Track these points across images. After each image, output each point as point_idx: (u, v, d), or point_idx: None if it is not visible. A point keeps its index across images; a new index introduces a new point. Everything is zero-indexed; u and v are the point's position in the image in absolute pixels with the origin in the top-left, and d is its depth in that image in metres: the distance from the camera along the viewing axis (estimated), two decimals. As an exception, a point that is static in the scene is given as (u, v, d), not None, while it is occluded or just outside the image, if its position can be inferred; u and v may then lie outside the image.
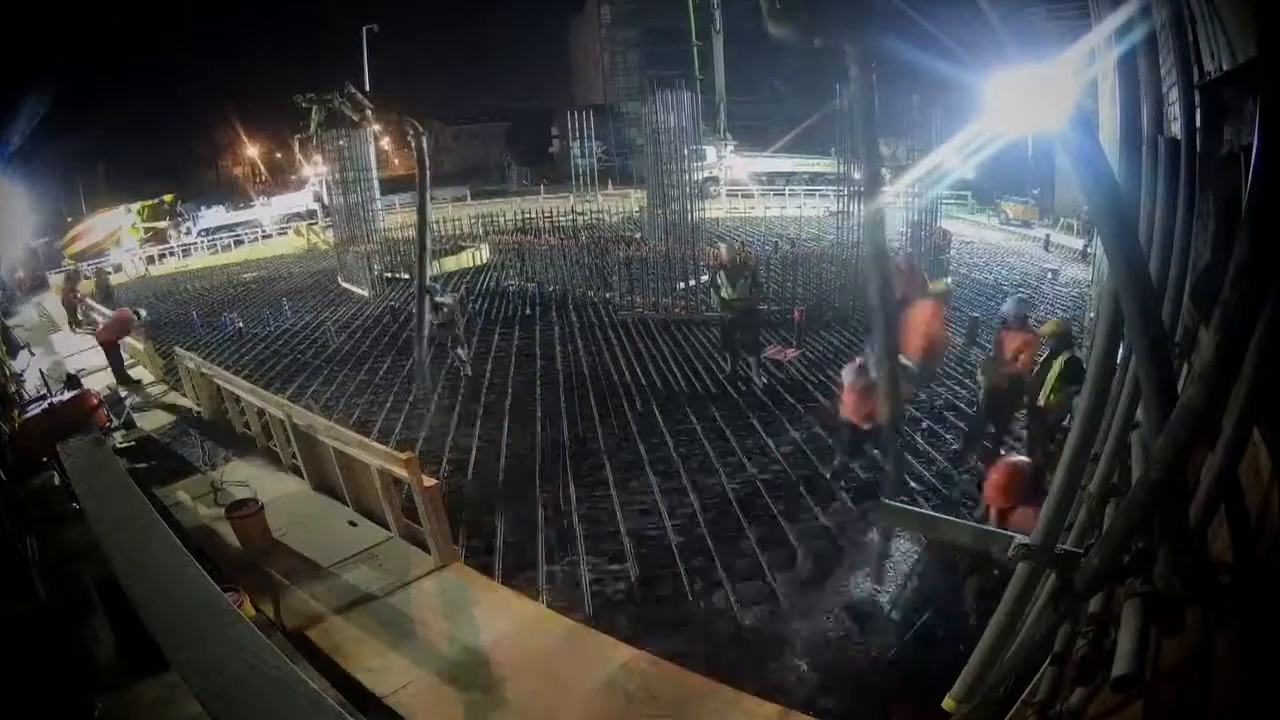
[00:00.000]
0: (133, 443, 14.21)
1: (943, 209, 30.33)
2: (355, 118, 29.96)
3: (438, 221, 38.68)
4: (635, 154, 49.20)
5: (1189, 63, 5.35)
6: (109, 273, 36.74)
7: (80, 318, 27.00)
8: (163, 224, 49.88)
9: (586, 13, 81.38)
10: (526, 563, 10.54)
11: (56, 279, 36.03)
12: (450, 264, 34.74)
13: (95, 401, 12.49)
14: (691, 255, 24.63)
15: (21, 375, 19.05)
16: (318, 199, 50.78)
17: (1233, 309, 2.74)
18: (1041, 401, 11.15)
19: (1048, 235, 37.60)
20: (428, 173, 18.17)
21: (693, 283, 24.03)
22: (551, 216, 40.29)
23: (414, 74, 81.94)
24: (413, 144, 18.39)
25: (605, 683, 7.69)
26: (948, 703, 5.31)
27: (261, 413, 13.19)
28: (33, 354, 22.70)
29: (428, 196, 18.43)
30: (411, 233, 35.02)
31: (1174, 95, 5.66)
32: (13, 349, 22.75)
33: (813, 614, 9.02)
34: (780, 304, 23.62)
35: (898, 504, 6.23)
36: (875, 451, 12.68)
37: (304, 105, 34.08)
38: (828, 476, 12.35)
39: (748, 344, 17.49)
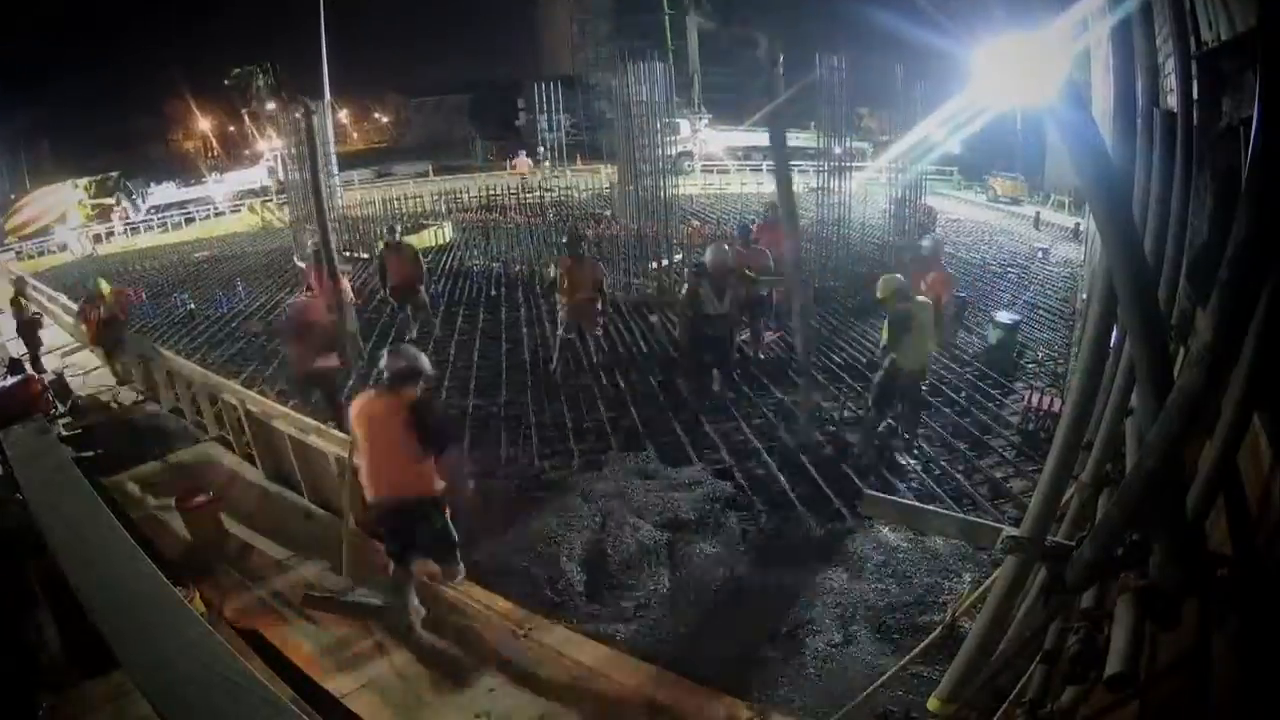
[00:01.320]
0: (78, 430, 14.09)
1: (927, 185, 30.46)
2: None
3: (398, 199, 38.53)
4: (605, 128, 49.13)
5: (1186, 32, 5.35)
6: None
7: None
8: (109, 201, 49.69)
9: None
10: (488, 556, 10.52)
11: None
12: (412, 242, 34.61)
13: (40, 387, 12.39)
14: (664, 233, 24.59)
15: (-38, 360, 18.90)
16: (272, 175, 50.63)
17: (1231, 289, 2.73)
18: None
19: (1038, 213, 37.87)
20: (318, 154, 18.25)
21: (665, 262, 23.98)
22: (517, 193, 40.12)
23: (372, 43, 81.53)
24: (303, 124, 18.48)
25: (574, 681, 7.69)
26: (933, 703, 5.32)
27: (214, 399, 13.11)
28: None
29: (320, 179, 18.51)
30: (371, 210, 34.97)
31: (1170, 66, 5.67)
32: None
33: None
34: (757, 284, 23.64)
35: (879, 494, 6.23)
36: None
37: (230, 83, 34.07)
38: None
39: None
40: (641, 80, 25.73)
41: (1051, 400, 13.62)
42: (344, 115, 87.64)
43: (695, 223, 32.45)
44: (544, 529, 10.58)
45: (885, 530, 9.87)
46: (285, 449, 11.33)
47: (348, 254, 31.46)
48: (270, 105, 33.46)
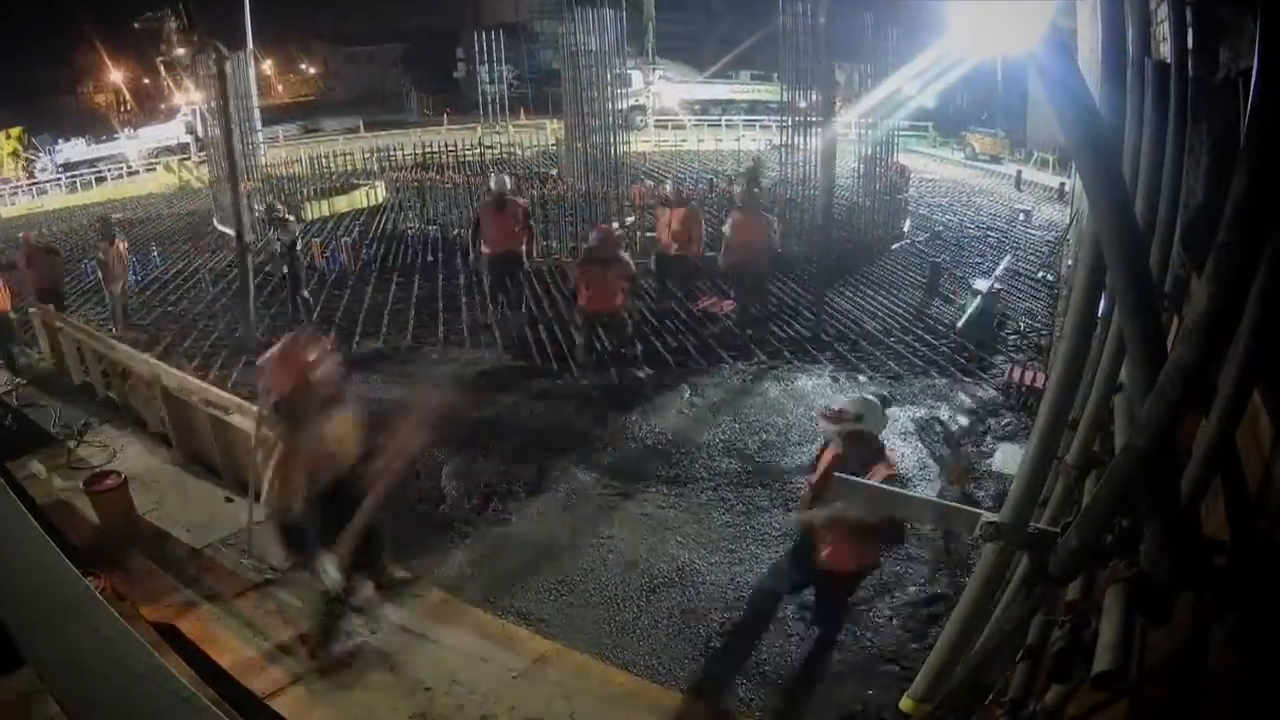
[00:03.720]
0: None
1: (900, 142, 30.50)
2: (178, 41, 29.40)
3: (326, 156, 38.21)
4: (551, 80, 48.95)
5: (1180, -25, 5.36)
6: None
7: None
8: (12, 163, 49.25)
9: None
10: (420, 548, 10.49)
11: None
12: (342, 204, 34.32)
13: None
14: (615, 194, 24.52)
15: None
16: (190, 130, 50.09)
17: (1229, 254, 2.71)
18: None
19: (1019, 172, 37.97)
20: (229, 103, 18.31)
21: (617, 225, 23.90)
22: (456, 150, 39.91)
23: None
24: (215, 70, 18.42)
25: (515, 677, 7.71)
26: (905, 703, 5.31)
27: (126, 372, 12.98)
28: None
29: (232, 129, 18.63)
30: (298, 168, 34.64)
31: (1163, 12, 5.67)
32: None
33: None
34: (715, 250, 23.58)
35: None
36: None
37: (141, 26, 33.34)
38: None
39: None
40: (590, 28, 25.61)
41: (1035, 374, 13.70)
42: (268, 66, 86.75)
43: (648, 182, 32.30)
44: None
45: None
46: (203, 428, 11.24)
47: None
48: (181, 52, 32.79)
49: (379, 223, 30.88)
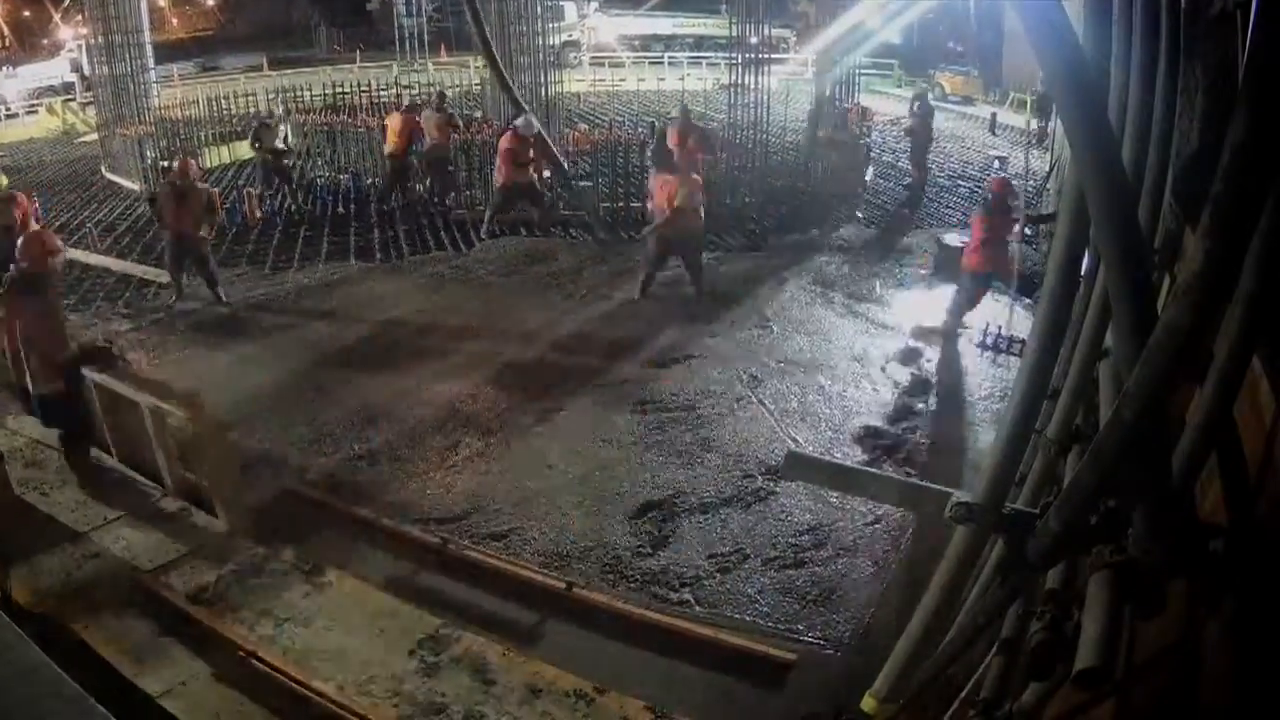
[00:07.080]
0: None
1: (862, 81, 30.49)
2: None
3: (226, 97, 37.77)
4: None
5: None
6: None
7: None
8: None
9: None
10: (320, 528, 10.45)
11: None
12: (243, 150, 33.87)
13: None
14: (546, 138, 24.44)
15: None
16: (76, 69, 49.50)
17: (1226, 207, 2.70)
18: None
19: (994, 114, 38.05)
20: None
21: (547, 174, 23.81)
22: (370, 91, 39.62)
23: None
24: None
25: (415, 661, 7.75)
26: (868, 702, 5.32)
27: (0, 340, 12.85)
28: None
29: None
30: (195, 111, 34.31)
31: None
32: None
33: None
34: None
35: (805, 453, 6.22)
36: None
37: None
38: None
39: None
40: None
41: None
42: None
43: (583, 126, 32.15)
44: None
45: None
46: (90, 401, 11.12)
47: (166, 164, 30.90)
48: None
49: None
